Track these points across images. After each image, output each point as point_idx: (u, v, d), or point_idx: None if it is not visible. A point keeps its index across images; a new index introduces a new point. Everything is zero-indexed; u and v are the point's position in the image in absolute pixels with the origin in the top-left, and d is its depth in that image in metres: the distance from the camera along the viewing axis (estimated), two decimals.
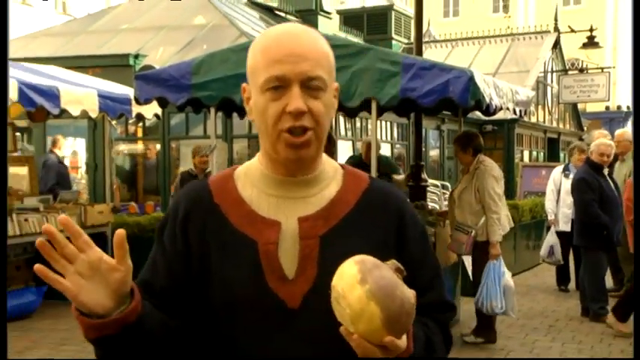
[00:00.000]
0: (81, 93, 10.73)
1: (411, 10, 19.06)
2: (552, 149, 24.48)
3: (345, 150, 15.83)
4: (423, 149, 12.28)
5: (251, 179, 2.18)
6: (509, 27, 26.73)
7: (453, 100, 8.34)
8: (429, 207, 10.87)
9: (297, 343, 2.00)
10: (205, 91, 8.97)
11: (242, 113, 11.45)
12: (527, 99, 10.49)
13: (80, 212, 11.62)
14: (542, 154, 23.30)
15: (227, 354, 2.06)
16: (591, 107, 30.68)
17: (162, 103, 9.53)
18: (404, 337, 1.86)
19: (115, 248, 1.85)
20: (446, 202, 12.13)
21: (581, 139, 21.37)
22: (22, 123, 14.12)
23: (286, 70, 1.97)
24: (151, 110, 11.55)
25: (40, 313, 11.11)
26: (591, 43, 23.32)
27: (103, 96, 11.04)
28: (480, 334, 9.23)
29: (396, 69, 8.18)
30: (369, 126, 12.00)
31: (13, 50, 17.13)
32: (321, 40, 2.10)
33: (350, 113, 11.75)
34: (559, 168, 12.91)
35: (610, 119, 30.91)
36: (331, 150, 11.15)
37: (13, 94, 9.44)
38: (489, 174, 9.08)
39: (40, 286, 11.46)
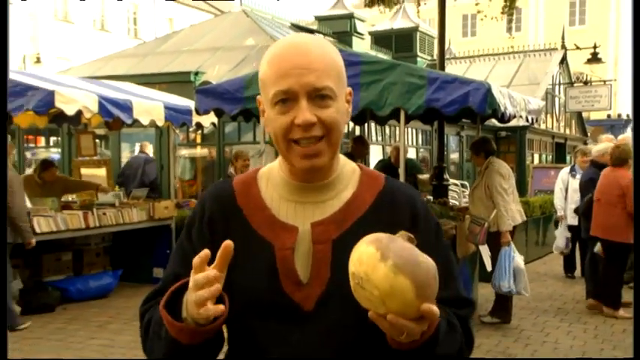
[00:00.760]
0: (150, 105, 10.80)
1: (434, 31, 18.97)
2: (559, 152, 24.29)
3: (376, 154, 15.77)
4: (445, 153, 12.22)
5: (273, 183, 2.03)
6: (520, 45, 26.55)
7: (473, 109, 8.31)
8: (450, 203, 10.83)
9: (313, 344, 1.84)
10: (255, 103, 8.96)
11: None
12: (537, 108, 10.41)
13: (149, 207, 11.69)
14: (550, 156, 23.12)
15: (245, 354, 1.93)
16: (594, 115, 30.42)
17: (219, 113, 9.56)
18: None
19: (220, 257, 1.71)
20: (465, 199, 12.07)
21: (585, 144, 21.23)
22: (101, 131, 14.23)
23: (292, 83, 1.81)
24: (209, 119, 11.60)
25: (116, 293, 11.20)
26: (595, 58, 23.13)
27: (168, 108, 11.10)
28: (496, 314, 9.19)
29: (422, 82, 8.14)
30: (397, 132, 11.99)
31: (94, 69, 17.37)
32: (327, 48, 1.92)
33: (380, 121, 11.71)
34: (566, 169, 12.72)
35: (611, 126, 30.63)
36: (364, 152, 11.14)
37: (93, 106, 9.55)
38: (497, 172, 9.07)
39: (116, 270, 11.58)
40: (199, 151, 16.42)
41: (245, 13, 19.04)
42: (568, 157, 23.60)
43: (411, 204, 2.02)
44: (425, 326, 1.65)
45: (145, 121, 10.98)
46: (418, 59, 23.73)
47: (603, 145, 11.20)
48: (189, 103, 10.96)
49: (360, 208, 1.96)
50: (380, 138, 16.87)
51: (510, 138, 20.09)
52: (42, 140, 16.77)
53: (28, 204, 9.49)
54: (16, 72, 10.84)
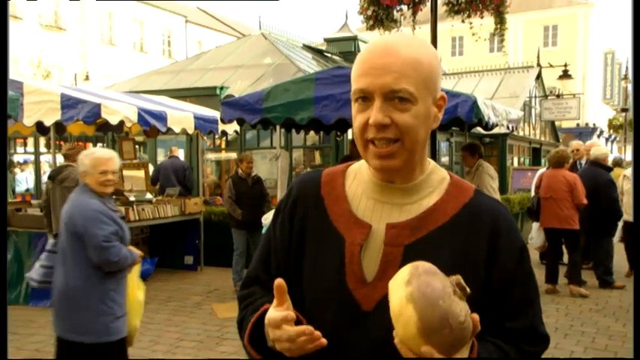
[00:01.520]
0: (182, 116, 10.81)
1: None
2: (535, 156, 24.21)
3: None
4: (437, 156, 12.16)
5: (359, 178, 1.82)
6: (502, 63, 26.51)
7: (461, 118, 8.27)
8: None
9: (367, 343, 1.63)
10: (273, 113, 8.98)
11: (299, 129, 11.45)
12: (517, 118, 10.39)
13: (181, 203, 11.72)
14: (527, 160, 23.04)
15: None
16: (565, 124, 30.34)
17: (241, 122, 9.55)
18: (455, 355, 1.45)
19: (277, 296, 1.60)
20: None
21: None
22: (140, 138, 14.28)
23: (368, 83, 1.62)
24: (232, 128, 11.61)
25: (153, 277, 11.22)
26: (565, 75, 23.07)
27: (197, 117, 11.12)
28: None
29: None
30: None
31: (134, 85, 17.39)
32: (415, 49, 1.66)
33: None
34: (542, 170, 12.46)
35: (580, 133, 30.60)
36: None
37: (133, 117, 9.56)
38: (486, 173, 9.08)
39: (152, 257, 11.61)
40: (224, 155, 16.43)
41: (263, 36, 19.02)
42: (542, 160, 23.54)
43: (493, 222, 1.73)
44: None
45: (177, 130, 10.99)
46: None
47: (602, 148, 11.44)
48: (216, 114, 10.96)
49: (439, 218, 1.72)
50: None
51: (493, 143, 20.01)
52: (90, 146, 16.77)
53: None
54: (68, 88, 10.87)
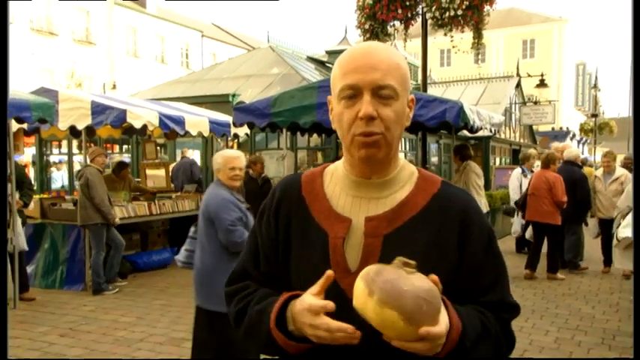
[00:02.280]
0: (198, 120, 10.82)
1: (418, 62, 18.90)
2: (515, 157, 24.12)
3: None
4: (427, 157, 12.17)
5: (336, 177, 1.80)
6: (485, 73, 26.56)
7: (449, 122, 8.27)
8: None
9: (355, 328, 1.51)
10: (279, 117, 8.98)
11: (303, 132, 11.46)
12: (499, 122, 10.37)
13: (197, 199, 11.73)
14: (508, 160, 22.94)
15: None
16: (542, 128, 30.25)
17: (251, 125, 9.54)
18: (441, 319, 1.45)
19: (321, 284, 1.55)
20: None
21: (535, 150, 21.19)
22: (161, 140, 14.26)
23: (358, 79, 1.61)
24: (243, 131, 11.60)
25: (173, 265, 11.20)
26: (542, 84, 23.07)
27: (212, 122, 11.11)
28: None
29: None
30: None
31: (155, 93, 17.40)
32: (394, 53, 1.68)
33: None
34: (518, 169, 12.47)
35: (555, 136, 30.57)
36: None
37: (155, 121, 9.60)
38: (472, 171, 9.11)
39: (172, 247, 11.63)
40: None
41: (271, 49, 19.01)
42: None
43: (462, 209, 1.73)
44: (437, 339, 1.43)
45: (194, 132, 11.04)
46: None
47: (574, 149, 11.50)
48: (228, 118, 10.96)
49: (412, 209, 1.71)
50: None
51: (478, 145, 19.92)
52: (117, 147, 16.83)
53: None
54: (97, 95, 10.91)
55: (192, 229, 5.41)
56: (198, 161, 16.08)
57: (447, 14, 10.84)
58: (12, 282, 8.29)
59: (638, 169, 6.24)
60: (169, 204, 11.13)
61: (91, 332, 7.15)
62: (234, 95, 15.27)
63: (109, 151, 16.06)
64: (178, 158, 15.71)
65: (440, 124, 8.51)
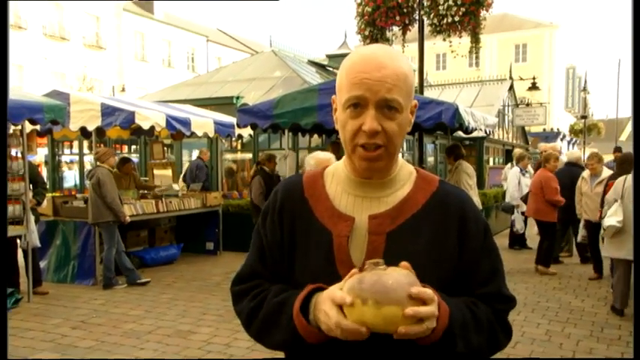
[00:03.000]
0: (203, 121, 10.84)
1: (415, 65, 18.95)
2: (508, 157, 24.18)
3: None
4: (424, 157, 12.18)
5: (337, 178, 1.78)
6: (479, 76, 26.54)
7: (445, 123, 8.30)
8: None
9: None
10: (282, 119, 9.00)
11: (305, 133, 11.47)
12: (492, 123, 10.41)
13: (203, 197, 11.75)
14: (501, 160, 22.94)
15: None
16: (534, 129, 30.28)
17: (254, 127, 9.56)
18: (431, 303, 1.43)
19: (350, 277, 1.50)
20: None
21: (527, 150, 21.17)
22: (168, 141, 14.27)
23: (365, 92, 1.56)
24: (247, 132, 11.62)
25: (179, 260, 11.29)
26: (534, 87, 23.17)
27: (217, 123, 11.13)
28: None
29: None
30: None
31: (163, 95, 17.40)
32: (401, 61, 1.62)
33: None
34: (516, 169, 12.20)
35: (546, 137, 30.55)
36: (339, 154, 11.02)
37: (162, 122, 9.62)
38: (464, 171, 9.06)
39: (179, 243, 11.65)
40: (239, 156, 16.44)
41: (274, 53, 19.00)
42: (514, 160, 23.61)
43: (460, 207, 1.72)
44: (429, 323, 1.43)
45: (199, 133, 11.07)
46: None
47: (576, 151, 11.54)
48: (232, 120, 10.96)
49: (413, 206, 1.70)
50: None
51: (473, 146, 19.92)
52: (125, 147, 16.83)
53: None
54: (107, 98, 10.91)
55: None
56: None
57: (445, 20, 10.92)
58: (26, 277, 8.33)
59: (638, 167, 6.26)
60: (176, 202, 11.14)
61: (102, 325, 7.16)
62: (238, 97, 15.28)
63: (118, 152, 16.08)
64: (185, 158, 15.74)
65: (436, 125, 8.55)
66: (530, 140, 28.53)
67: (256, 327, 1.73)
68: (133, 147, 16.47)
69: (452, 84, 24.90)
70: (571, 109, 57.23)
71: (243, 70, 18.57)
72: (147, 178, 13.05)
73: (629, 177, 7.34)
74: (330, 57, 21.98)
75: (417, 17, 11.35)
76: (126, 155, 14.30)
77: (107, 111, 9.28)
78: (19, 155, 8.15)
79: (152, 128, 9.86)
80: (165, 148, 14.40)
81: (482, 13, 11.01)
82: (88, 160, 16.30)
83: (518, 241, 12.74)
